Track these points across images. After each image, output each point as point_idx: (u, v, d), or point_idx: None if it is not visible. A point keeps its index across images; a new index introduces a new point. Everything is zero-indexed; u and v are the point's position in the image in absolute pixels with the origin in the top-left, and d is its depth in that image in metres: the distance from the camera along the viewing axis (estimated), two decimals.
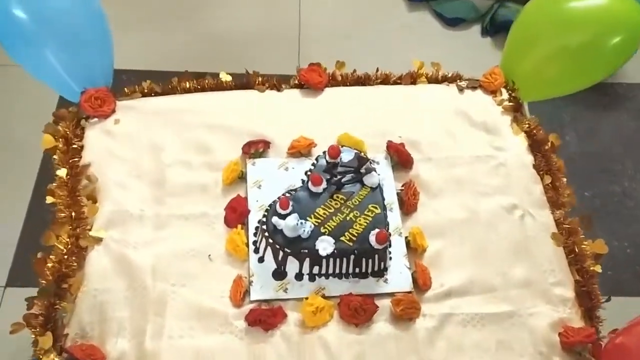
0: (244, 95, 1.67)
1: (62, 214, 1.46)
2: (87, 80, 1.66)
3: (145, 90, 1.70)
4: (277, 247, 1.40)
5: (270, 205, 1.45)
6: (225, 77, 1.74)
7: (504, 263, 1.45)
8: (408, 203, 1.54)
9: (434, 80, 1.78)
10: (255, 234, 1.48)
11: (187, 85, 1.71)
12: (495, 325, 1.37)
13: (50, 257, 1.39)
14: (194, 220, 1.46)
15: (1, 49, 1.56)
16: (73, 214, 1.45)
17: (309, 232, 1.39)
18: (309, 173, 1.51)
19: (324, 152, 1.53)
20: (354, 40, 2.74)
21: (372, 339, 1.34)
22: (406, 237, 1.50)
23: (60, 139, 1.58)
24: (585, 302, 1.46)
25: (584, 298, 1.45)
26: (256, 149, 1.57)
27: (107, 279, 1.36)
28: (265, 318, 1.36)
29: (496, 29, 2.80)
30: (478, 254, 1.46)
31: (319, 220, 1.41)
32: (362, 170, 1.48)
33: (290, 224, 1.38)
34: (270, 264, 1.44)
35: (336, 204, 1.45)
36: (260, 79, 1.73)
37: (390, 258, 1.47)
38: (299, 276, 1.43)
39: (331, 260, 1.40)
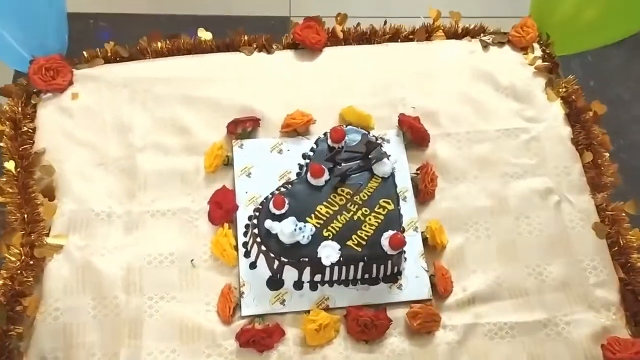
0: (228, 59, 1.46)
1: (13, 217, 1.25)
2: (37, 46, 1.40)
3: (109, 55, 1.46)
4: (272, 255, 1.20)
5: (261, 204, 1.24)
6: (204, 36, 1.48)
7: (537, 261, 1.29)
8: (425, 191, 1.33)
9: (452, 34, 1.54)
10: (245, 234, 1.27)
11: (159, 47, 1.46)
12: (527, 336, 1.22)
13: (1, 272, 1.20)
14: (172, 217, 1.28)
15: None
16: (26, 216, 1.24)
17: (309, 237, 1.18)
18: (307, 161, 1.29)
19: (325, 135, 1.30)
20: None
21: (384, 357, 1.20)
22: (422, 233, 1.31)
23: (7, 122, 1.33)
24: (631, 306, 1.28)
25: (629, 300, 1.28)
26: (244, 127, 1.36)
27: (71, 295, 1.20)
28: (259, 339, 1.18)
29: None
30: (506, 250, 1.30)
31: (321, 222, 1.21)
32: (372, 157, 1.26)
33: (286, 231, 1.17)
34: (263, 270, 1.24)
35: (341, 199, 1.24)
36: (246, 37, 1.48)
37: (405, 259, 1.27)
38: (298, 285, 1.23)
39: (336, 267, 1.20)
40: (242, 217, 1.28)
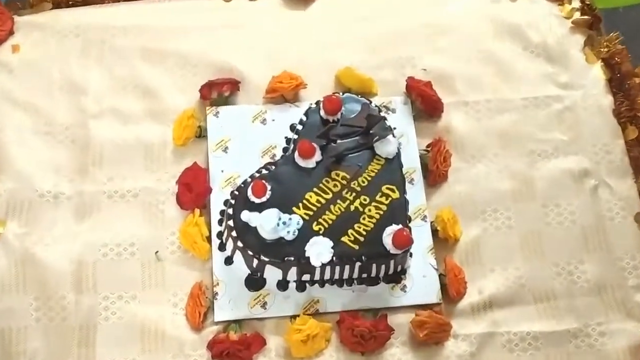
0: (201, 4, 1.33)
1: None
2: None
3: None
4: (250, 253, 1.04)
5: (238, 190, 1.08)
6: None
7: (567, 258, 1.17)
8: (436, 172, 1.18)
9: None
10: (220, 222, 1.12)
11: None
12: (554, 348, 1.11)
13: None
14: (133, 200, 1.16)
15: None
16: None
17: (296, 232, 1.02)
18: (295, 136, 1.12)
19: (317, 104, 1.14)
20: None
21: None
22: (432, 223, 1.16)
23: None
24: None
25: None
26: (220, 91, 1.21)
27: (9, 294, 1.08)
28: (235, 351, 1.03)
29: None
30: (531, 245, 1.17)
31: (311, 213, 1.05)
32: (374, 133, 1.10)
33: (267, 226, 1.00)
34: (241, 267, 1.08)
35: (335, 185, 1.08)
36: None
37: (410, 255, 1.11)
38: (282, 285, 1.08)
39: (328, 266, 1.04)
40: (217, 201, 1.13)
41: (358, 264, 1.04)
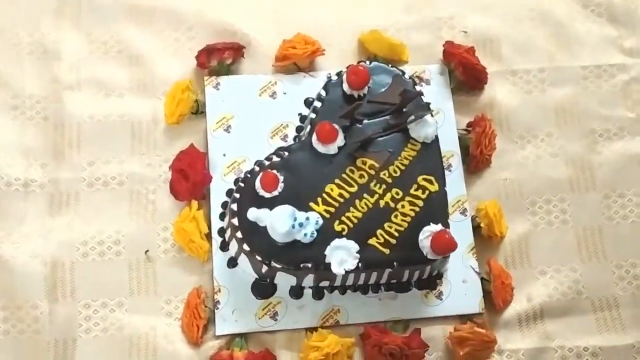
0: None
1: None
2: None
3: None
4: (258, 258, 0.89)
5: (243, 181, 0.93)
6: None
7: (633, 259, 1.06)
8: (479, 157, 1.04)
9: None
10: (222, 216, 0.98)
11: None
12: None
13: None
14: (118, 188, 1.04)
15: None
16: None
17: (314, 234, 0.87)
18: (312, 115, 0.97)
19: (339, 75, 0.99)
20: None
21: None
22: (474, 217, 1.02)
23: None
24: None
25: None
26: (220, 58, 1.08)
27: None
28: None
29: None
30: (590, 243, 1.07)
31: (332, 210, 0.91)
32: (408, 112, 0.95)
33: (280, 228, 0.85)
34: (247, 269, 0.94)
35: (361, 176, 0.94)
36: None
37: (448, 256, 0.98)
38: (296, 292, 0.94)
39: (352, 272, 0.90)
40: (218, 191, 1.00)
41: (388, 270, 0.90)
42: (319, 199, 0.90)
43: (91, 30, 1.10)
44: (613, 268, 1.04)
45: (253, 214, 0.87)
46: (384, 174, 0.93)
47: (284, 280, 0.93)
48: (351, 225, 0.90)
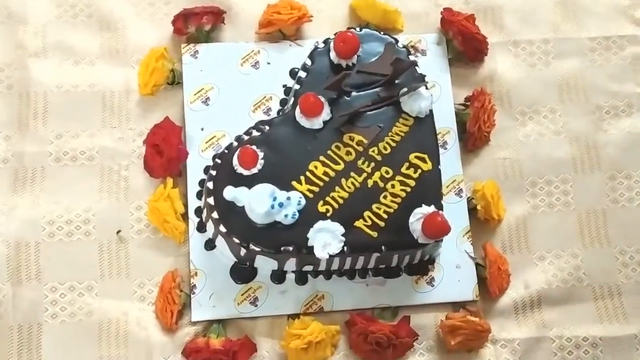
0: None
1: None
2: None
3: None
4: (236, 240, 0.83)
5: (220, 157, 0.87)
6: None
7: (638, 244, 1.02)
8: (477, 134, 0.99)
9: None
10: (199, 195, 0.93)
11: None
12: (616, 356, 0.98)
13: None
14: (87, 164, 0.99)
15: None
16: None
17: (296, 215, 0.82)
18: (297, 86, 0.92)
19: (327, 43, 0.94)
20: None
21: None
22: (470, 199, 0.98)
23: None
24: None
25: None
26: (199, 24, 1.02)
27: None
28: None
29: None
30: (592, 227, 1.03)
31: (316, 189, 0.87)
32: (401, 83, 0.90)
33: (258, 208, 0.80)
34: (226, 252, 0.89)
35: (348, 153, 0.89)
36: None
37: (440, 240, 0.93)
38: (278, 276, 0.90)
39: (337, 256, 0.86)
40: (196, 168, 0.95)
41: (376, 254, 0.85)
42: (302, 178, 0.86)
43: None
44: (617, 254, 1.00)
45: (230, 193, 0.81)
46: (373, 151, 0.89)
47: (265, 264, 0.88)
48: (336, 206, 0.86)
